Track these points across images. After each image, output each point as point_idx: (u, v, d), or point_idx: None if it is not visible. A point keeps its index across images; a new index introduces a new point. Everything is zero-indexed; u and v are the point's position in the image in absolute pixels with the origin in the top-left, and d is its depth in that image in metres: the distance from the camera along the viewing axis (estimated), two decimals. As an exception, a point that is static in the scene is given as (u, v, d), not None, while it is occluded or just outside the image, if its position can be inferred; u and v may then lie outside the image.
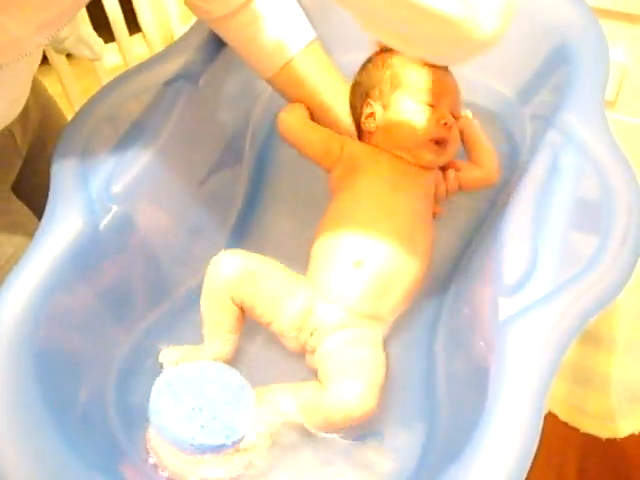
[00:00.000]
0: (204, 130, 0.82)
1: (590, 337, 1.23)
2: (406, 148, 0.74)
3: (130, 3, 1.37)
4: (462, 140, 0.81)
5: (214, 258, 0.69)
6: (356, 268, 0.68)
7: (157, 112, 0.73)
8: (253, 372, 0.69)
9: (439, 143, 0.73)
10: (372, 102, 0.77)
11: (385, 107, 0.76)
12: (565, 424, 1.15)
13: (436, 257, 0.75)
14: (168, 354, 0.69)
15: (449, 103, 0.74)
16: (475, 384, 0.56)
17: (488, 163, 0.79)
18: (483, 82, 0.93)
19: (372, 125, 0.77)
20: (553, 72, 0.77)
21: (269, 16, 0.74)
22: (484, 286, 0.60)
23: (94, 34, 1.14)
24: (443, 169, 0.78)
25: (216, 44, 0.80)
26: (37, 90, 0.81)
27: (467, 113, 0.82)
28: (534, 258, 0.57)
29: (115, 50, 1.41)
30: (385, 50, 0.79)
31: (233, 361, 0.71)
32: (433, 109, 0.73)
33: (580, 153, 0.64)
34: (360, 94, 0.79)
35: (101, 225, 0.64)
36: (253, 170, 0.88)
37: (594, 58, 0.71)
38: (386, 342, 0.70)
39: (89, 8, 1.39)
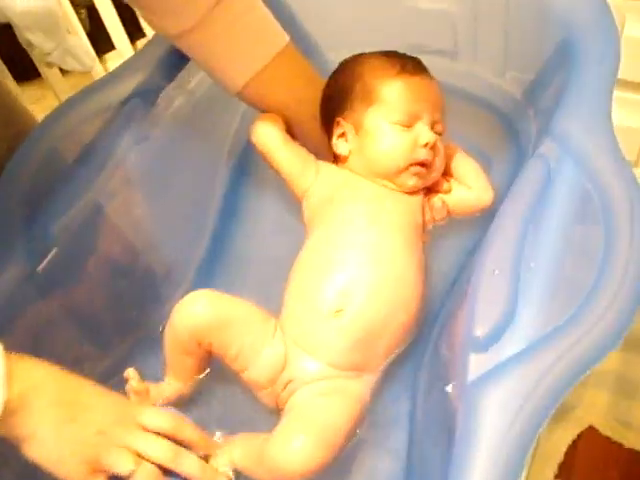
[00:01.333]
0: (164, 157, 0.75)
1: (634, 343, 1.12)
2: (384, 175, 0.66)
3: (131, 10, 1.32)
4: None
5: (182, 299, 0.63)
6: (335, 318, 0.60)
7: (108, 138, 0.68)
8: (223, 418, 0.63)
9: (422, 165, 0.65)
10: (343, 121, 0.68)
11: (357, 128, 0.67)
12: (607, 439, 1.05)
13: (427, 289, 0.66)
14: (133, 376, 0.63)
15: (431, 118, 0.65)
16: (442, 448, 0.48)
17: (479, 183, 0.69)
18: (487, 78, 0.83)
19: (344, 148, 0.69)
20: (557, 71, 0.66)
21: (233, 28, 0.67)
22: (458, 333, 0.51)
23: (83, 45, 1.09)
24: (428, 192, 0.69)
25: (178, 58, 0.73)
26: (8, 121, 0.77)
27: None
28: (514, 302, 0.48)
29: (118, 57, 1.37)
30: (358, 55, 0.70)
31: (204, 405, 0.65)
32: (412, 128, 0.64)
33: (578, 168, 0.54)
34: (330, 110, 0.70)
35: (40, 267, 0.59)
36: (225, 199, 0.81)
37: (600, 57, 0.60)
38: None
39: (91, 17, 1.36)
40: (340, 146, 0.69)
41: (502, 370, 0.45)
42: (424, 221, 0.68)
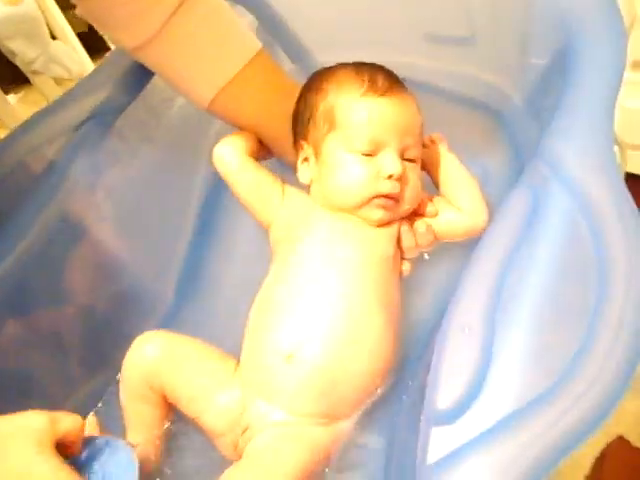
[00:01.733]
0: (134, 177, 0.70)
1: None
2: (344, 209, 0.59)
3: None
4: (432, 176, 0.64)
5: (134, 342, 0.59)
6: (287, 363, 0.54)
7: (69, 159, 0.63)
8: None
9: (388, 197, 0.57)
10: (305, 144, 0.62)
11: (317, 154, 0.60)
12: (638, 450, 0.97)
13: (407, 328, 0.60)
14: (90, 422, 0.58)
15: (399, 144, 0.58)
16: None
17: (471, 204, 0.61)
18: (483, 79, 0.75)
19: (305, 176, 0.62)
20: (556, 76, 0.58)
21: (193, 39, 0.61)
22: (423, 398, 0.45)
23: (70, 51, 1.05)
24: (411, 215, 0.62)
25: (141, 73, 0.67)
26: None
27: (436, 138, 0.65)
28: (485, 368, 0.41)
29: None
30: (328, 68, 0.63)
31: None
32: (376, 157, 0.57)
33: (569, 199, 0.47)
34: (297, 129, 0.64)
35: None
36: (200, 220, 0.76)
37: (602, 62, 0.51)
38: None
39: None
40: (302, 172, 0.63)
41: (467, 452, 0.38)
42: (400, 250, 0.61)
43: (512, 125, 0.72)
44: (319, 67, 0.69)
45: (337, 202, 0.59)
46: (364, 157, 0.57)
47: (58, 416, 0.43)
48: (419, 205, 0.62)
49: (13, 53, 1.02)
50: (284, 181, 0.65)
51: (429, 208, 0.62)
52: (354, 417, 0.57)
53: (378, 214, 0.58)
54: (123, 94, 0.68)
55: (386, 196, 0.57)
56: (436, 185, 0.65)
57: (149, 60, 0.64)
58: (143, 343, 0.58)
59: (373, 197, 0.57)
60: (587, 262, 0.43)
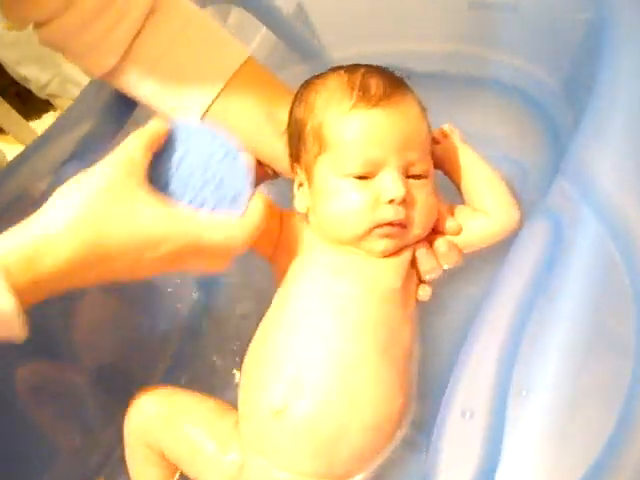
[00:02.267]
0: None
1: None
2: (342, 242, 0.51)
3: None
4: (448, 174, 0.56)
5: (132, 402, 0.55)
6: (277, 419, 0.48)
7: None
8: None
9: (392, 224, 0.49)
10: (298, 168, 0.54)
11: (309, 179, 0.52)
12: None
13: (428, 363, 0.52)
14: None
15: (401, 161, 0.49)
16: None
17: (496, 202, 0.53)
18: (513, 62, 0.65)
19: (301, 204, 0.54)
20: (588, 65, 0.48)
21: (168, 56, 0.56)
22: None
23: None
24: (430, 234, 0.53)
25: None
26: None
27: (447, 130, 0.56)
28: (491, 462, 0.33)
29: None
30: (319, 75, 0.55)
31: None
32: (375, 179, 0.49)
33: (602, 228, 0.37)
34: (290, 150, 0.56)
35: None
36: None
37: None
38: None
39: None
40: (298, 200, 0.55)
41: None
42: (417, 274, 0.53)
43: (550, 113, 0.62)
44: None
45: (333, 235, 0.51)
46: (359, 181, 0.49)
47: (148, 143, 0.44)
48: (437, 221, 0.53)
49: (26, 79, 0.99)
50: (282, 208, 0.57)
51: (449, 223, 0.53)
52: (363, 476, 0.50)
53: (381, 245, 0.50)
54: (110, 122, 0.63)
55: (390, 224, 0.49)
56: (454, 183, 0.57)
57: (122, 86, 0.59)
58: (140, 402, 0.54)
59: (374, 227, 0.49)
60: (624, 308, 0.34)
